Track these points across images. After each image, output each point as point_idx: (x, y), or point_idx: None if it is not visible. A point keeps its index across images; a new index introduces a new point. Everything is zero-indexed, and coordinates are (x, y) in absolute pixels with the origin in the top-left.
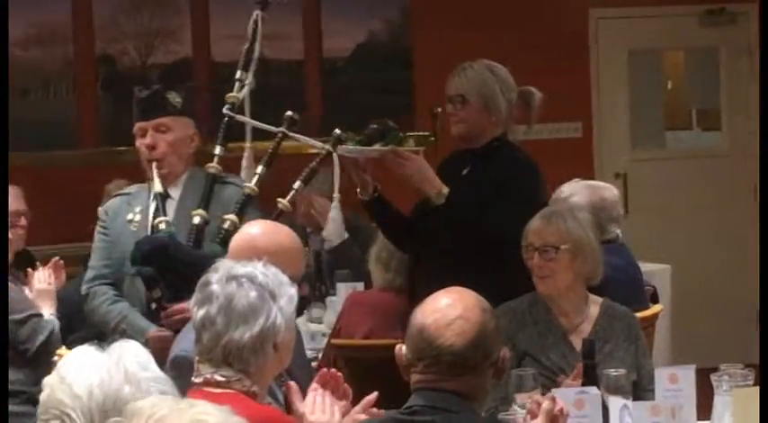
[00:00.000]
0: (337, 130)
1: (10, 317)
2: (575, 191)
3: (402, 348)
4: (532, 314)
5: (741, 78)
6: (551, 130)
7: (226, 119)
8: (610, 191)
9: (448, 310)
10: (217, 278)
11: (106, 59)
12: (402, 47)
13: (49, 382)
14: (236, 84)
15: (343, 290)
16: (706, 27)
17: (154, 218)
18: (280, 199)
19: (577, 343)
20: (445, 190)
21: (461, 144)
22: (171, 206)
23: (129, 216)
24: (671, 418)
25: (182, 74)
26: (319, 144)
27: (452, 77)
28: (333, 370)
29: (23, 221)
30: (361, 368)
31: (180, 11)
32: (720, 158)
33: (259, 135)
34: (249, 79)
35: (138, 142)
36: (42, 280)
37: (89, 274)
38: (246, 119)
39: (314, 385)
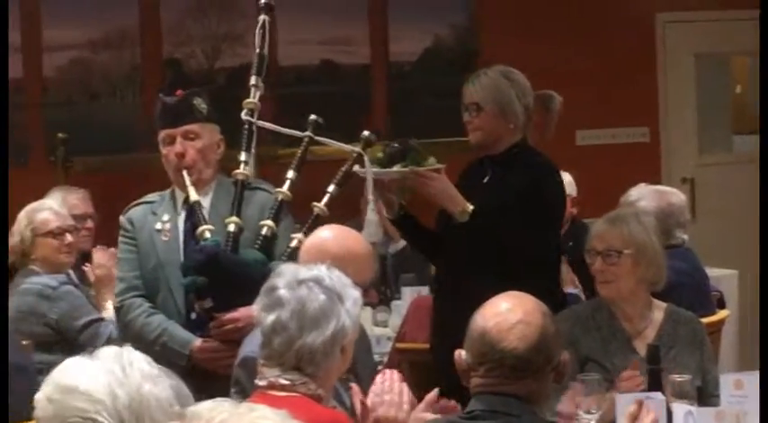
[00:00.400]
0: (366, 132)
1: (72, 323)
2: (642, 195)
3: (462, 354)
4: (596, 319)
5: None
6: (619, 135)
7: (246, 125)
8: (677, 196)
9: (509, 314)
10: (284, 283)
11: (173, 63)
12: (468, 51)
13: (45, 397)
14: (252, 89)
15: (408, 294)
16: None
17: (194, 227)
18: (315, 203)
19: (641, 348)
20: (469, 207)
21: (480, 152)
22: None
23: (158, 226)
24: None
25: (248, 77)
26: (348, 147)
27: (467, 85)
28: (391, 370)
29: (90, 223)
30: (426, 372)
31: (246, 15)
32: None
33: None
34: (260, 84)
35: (166, 150)
36: (101, 263)
37: (120, 285)
38: (267, 124)
39: (373, 389)
